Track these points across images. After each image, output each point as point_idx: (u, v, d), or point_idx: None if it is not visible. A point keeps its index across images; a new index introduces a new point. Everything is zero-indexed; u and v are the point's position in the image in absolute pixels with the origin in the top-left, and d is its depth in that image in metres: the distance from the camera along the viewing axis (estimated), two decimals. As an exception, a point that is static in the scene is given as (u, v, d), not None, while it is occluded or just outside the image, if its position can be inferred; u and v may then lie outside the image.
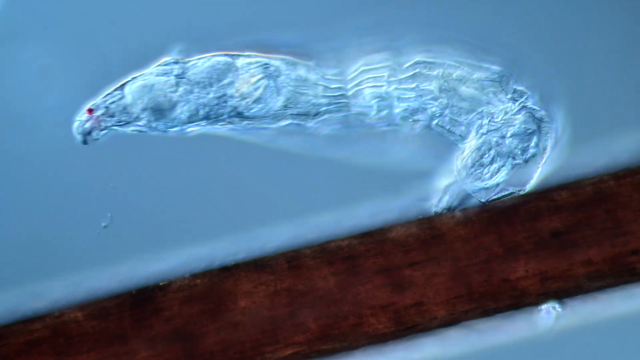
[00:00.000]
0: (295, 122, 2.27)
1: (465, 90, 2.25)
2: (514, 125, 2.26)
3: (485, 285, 2.21)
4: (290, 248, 2.27)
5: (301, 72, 2.26)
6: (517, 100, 2.25)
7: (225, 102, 2.24)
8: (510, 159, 2.26)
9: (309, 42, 2.28)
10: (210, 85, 2.24)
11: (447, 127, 2.26)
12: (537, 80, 2.27)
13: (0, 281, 2.24)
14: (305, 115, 2.26)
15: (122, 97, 2.24)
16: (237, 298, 2.23)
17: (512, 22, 2.29)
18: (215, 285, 2.24)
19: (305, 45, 2.28)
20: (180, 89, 2.24)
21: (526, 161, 2.26)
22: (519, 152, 2.26)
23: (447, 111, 2.25)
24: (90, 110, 2.22)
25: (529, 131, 2.25)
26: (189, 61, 2.26)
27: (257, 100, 2.24)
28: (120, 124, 2.25)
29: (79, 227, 2.27)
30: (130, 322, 2.22)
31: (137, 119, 2.24)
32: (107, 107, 2.24)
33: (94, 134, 2.24)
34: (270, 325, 2.22)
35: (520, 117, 2.26)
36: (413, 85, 2.25)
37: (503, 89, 2.25)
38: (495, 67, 2.26)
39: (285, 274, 2.24)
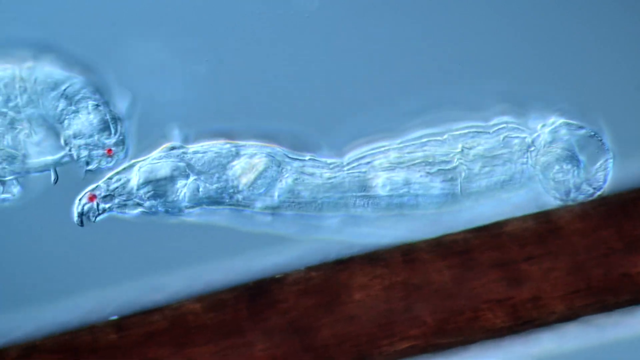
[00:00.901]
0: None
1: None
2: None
3: (605, 279, 2.18)
4: (405, 241, 2.27)
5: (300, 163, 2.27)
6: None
7: (227, 191, 2.26)
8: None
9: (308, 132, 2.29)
10: (213, 175, 2.26)
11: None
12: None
13: (122, 274, 2.29)
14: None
15: (127, 181, 2.27)
16: (352, 291, 2.24)
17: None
18: (331, 278, 2.26)
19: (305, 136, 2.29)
20: (191, 178, 2.26)
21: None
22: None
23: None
24: (93, 197, 2.25)
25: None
26: (189, 148, 2.28)
27: (259, 189, 2.25)
28: (120, 207, 2.27)
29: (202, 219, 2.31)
30: (247, 314, 2.25)
31: (139, 203, 2.26)
32: (109, 192, 2.27)
33: (92, 216, 2.26)
34: (385, 319, 2.22)
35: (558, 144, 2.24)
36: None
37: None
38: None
39: (400, 267, 2.24)
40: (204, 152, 2.27)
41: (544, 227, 2.22)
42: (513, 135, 2.25)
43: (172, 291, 2.29)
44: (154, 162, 2.26)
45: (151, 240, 2.30)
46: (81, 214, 2.25)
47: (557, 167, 2.24)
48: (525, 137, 2.25)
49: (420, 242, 2.26)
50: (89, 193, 2.25)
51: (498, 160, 2.25)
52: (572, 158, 2.24)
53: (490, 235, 2.24)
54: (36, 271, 2.30)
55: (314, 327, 2.23)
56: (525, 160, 2.25)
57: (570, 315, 2.21)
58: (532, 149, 2.25)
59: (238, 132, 2.28)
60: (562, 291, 2.19)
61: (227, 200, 2.27)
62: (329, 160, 2.28)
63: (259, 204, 2.27)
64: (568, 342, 2.23)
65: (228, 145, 2.27)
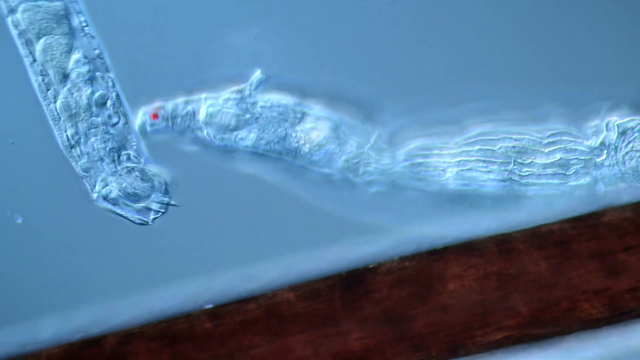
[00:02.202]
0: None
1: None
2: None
3: None
4: (499, 232, 2.25)
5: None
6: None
7: (289, 143, 2.24)
8: None
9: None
10: (278, 123, 2.25)
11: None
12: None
13: (219, 263, 2.32)
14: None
15: (193, 113, 2.27)
16: (447, 281, 2.23)
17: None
18: (424, 268, 2.25)
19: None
20: (248, 117, 2.25)
21: None
22: None
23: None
24: (155, 116, 2.26)
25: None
26: (259, 99, 2.27)
27: (318, 152, 2.24)
28: (179, 132, 2.28)
29: (292, 212, 2.33)
30: (340, 303, 2.26)
31: (200, 128, 2.27)
32: (173, 114, 2.27)
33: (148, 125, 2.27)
34: (480, 309, 2.21)
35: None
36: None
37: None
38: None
39: (495, 257, 2.23)
40: (272, 107, 2.27)
41: (643, 217, 2.18)
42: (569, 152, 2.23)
43: (266, 280, 2.31)
44: (222, 106, 2.28)
45: (245, 229, 2.32)
46: (142, 125, 2.28)
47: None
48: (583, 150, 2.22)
49: (515, 232, 2.24)
50: (153, 109, 2.27)
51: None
52: None
53: (588, 226, 2.21)
54: (133, 260, 2.34)
55: (408, 317, 2.23)
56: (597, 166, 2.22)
57: (670, 307, 2.17)
58: (604, 155, 2.21)
59: (314, 90, 2.29)
60: (662, 282, 2.15)
61: (285, 152, 2.28)
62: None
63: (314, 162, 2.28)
64: (668, 334, 2.19)
65: (298, 107, 2.28)
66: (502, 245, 2.23)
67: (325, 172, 2.27)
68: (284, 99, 2.28)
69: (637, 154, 2.20)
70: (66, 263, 2.34)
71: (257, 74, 2.27)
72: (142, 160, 2.30)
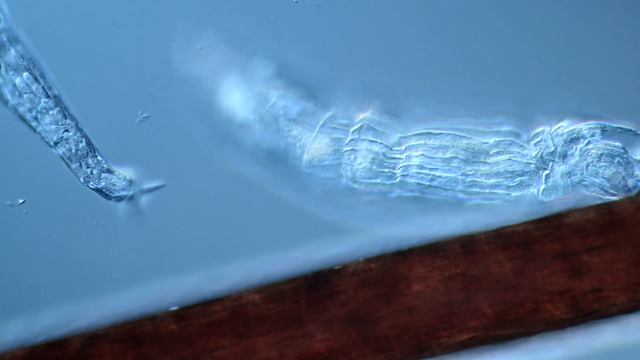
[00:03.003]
0: None
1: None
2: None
3: (668, 271, 2.15)
4: (464, 233, 2.26)
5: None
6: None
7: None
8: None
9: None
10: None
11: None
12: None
13: (184, 265, 2.31)
14: None
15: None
16: (412, 282, 2.24)
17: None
18: (390, 269, 2.25)
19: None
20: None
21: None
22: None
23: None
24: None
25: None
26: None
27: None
28: None
29: (256, 213, 2.32)
30: (306, 305, 2.26)
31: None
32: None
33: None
34: (445, 310, 2.22)
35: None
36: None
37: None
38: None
39: (459, 258, 2.23)
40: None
41: (606, 219, 2.19)
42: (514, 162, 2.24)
43: (231, 282, 2.30)
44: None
45: (210, 230, 2.32)
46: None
47: (602, 163, 2.21)
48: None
49: (479, 234, 2.25)
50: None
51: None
52: (612, 153, 2.22)
53: (552, 227, 2.22)
54: (98, 261, 2.33)
55: (373, 318, 2.23)
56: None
57: (632, 307, 2.18)
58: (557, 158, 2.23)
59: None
60: (625, 283, 2.16)
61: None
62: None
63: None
64: (630, 335, 2.20)
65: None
66: (467, 246, 2.24)
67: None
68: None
69: (601, 166, 2.21)
70: (29, 265, 2.33)
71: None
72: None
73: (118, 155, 2.33)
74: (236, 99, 2.27)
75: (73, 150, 2.24)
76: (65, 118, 2.24)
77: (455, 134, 2.25)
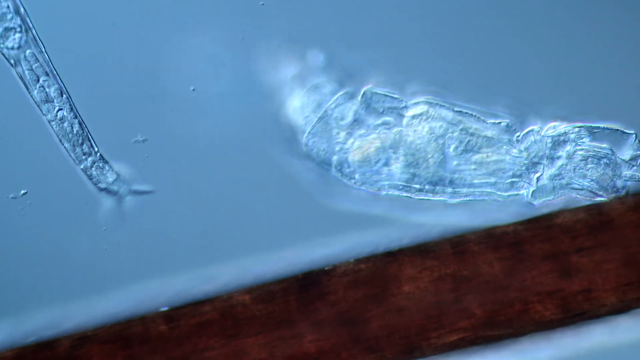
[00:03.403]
0: None
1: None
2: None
3: (657, 272, 2.16)
4: (454, 233, 2.26)
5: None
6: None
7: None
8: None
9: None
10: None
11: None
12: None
13: (174, 266, 2.31)
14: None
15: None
16: (402, 283, 2.24)
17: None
18: (380, 270, 2.25)
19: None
20: None
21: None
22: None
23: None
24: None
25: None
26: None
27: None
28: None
29: (248, 213, 2.32)
30: (296, 305, 2.26)
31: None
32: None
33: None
34: (435, 311, 2.22)
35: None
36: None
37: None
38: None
39: (449, 259, 2.24)
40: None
41: (595, 219, 2.20)
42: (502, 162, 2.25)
43: (221, 282, 2.30)
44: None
45: (201, 231, 2.32)
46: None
47: (589, 165, 2.22)
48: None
49: (470, 234, 2.25)
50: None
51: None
52: (599, 154, 2.22)
53: (541, 227, 2.22)
54: (88, 262, 2.32)
55: (363, 319, 2.23)
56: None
57: (622, 308, 2.18)
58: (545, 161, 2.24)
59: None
60: (614, 283, 2.17)
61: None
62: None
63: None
64: (619, 335, 2.21)
65: None
66: (457, 247, 2.24)
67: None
68: None
69: (588, 168, 2.22)
70: (18, 266, 2.32)
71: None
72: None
73: (116, 152, 2.33)
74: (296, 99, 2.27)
75: (67, 130, 2.24)
76: (62, 95, 2.25)
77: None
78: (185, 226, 2.32)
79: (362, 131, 2.25)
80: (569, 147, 2.24)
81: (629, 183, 2.22)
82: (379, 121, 2.24)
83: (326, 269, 2.28)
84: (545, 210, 2.24)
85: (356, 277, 2.26)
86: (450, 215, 2.27)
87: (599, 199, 2.22)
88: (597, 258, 2.17)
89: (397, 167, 2.25)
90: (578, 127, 2.23)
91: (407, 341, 2.22)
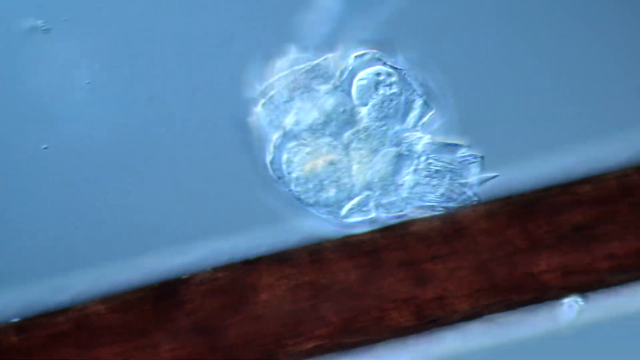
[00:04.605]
0: None
1: None
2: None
3: (508, 278, 2.20)
4: (312, 242, 2.27)
5: None
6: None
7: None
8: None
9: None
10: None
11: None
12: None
13: (24, 274, 2.25)
14: None
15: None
16: (259, 291, 2.23)
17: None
18: (238, 278, 2.25)
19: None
20: None
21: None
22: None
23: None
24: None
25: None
26: None
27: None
28: None
29: (102, 220, 2.28)
30: (152, 315, 2.23)
31: None
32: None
33: None
34: (292, 319, 2.22)
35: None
36: None
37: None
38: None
39: (307, 267, 2.24)
40: None
41: (449, 227, 2.24)
42: None
43: (76, 292, 2.25)
44: None
45: (53, 238, 2.27)
46: None
47: (435, 179, 2.26)
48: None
49: (327, 242, 2.26)
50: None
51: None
52: (444, 167, 2.27)
53: (397, 235, 2.25)
54: None
55: (220, 328, 2.22)
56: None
57: (474, 314, 2.23)
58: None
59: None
60: (467, 290, 2.21)
61: None
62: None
63: None
64: (472, 341, 2.25)
65: None
66: (315, 255, 2.25)
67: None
68: None
69: (435, 182, 2.27)
70: None
71: None
72: None
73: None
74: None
75: None
76: None
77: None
78: (38, 233, 2.27)
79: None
80: (415, 162, 2.27)
81: (478, 191, 2.26)
82: None
83: (183, 277, 2.26)
84: (400, 219, 2.27)
85: (213, 285, 2.24)
86: (307, 223, 2.28)
87: (452, 207, 2.27)
88: (451, 265, 2.21)
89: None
90: (428, 142, 2.26)
91: (265, 349, 2.22)
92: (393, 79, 2.24)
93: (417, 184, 2.26)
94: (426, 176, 2.26)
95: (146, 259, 2.27)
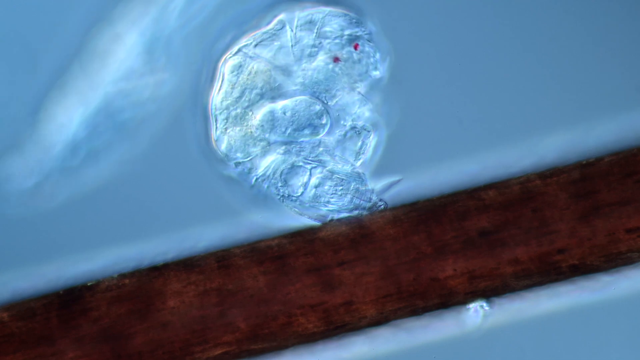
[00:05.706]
0: None
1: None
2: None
3: (415, 284, 2.22)
4: (220, 248, 2.26)
5: None
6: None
7: None
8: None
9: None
10: None
11: None
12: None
13: None
14: None
15: None
16: (166, 298, 2.22)
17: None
18: (144, 285, 2.23)
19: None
20: None
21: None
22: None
23: None
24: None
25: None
26: None
27: None
28: None
29: (5, 226, 2.24)
30: (57, 322, 2.20)
31: None
32: None
33: None
34: (199, 325, 2.21)
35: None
36: None
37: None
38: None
39: (214, 273, 2.23)
40: None
41: (357, 232, 2.25)
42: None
43: (-22, 300, 2.22)
44: None
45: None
46: None
47: (340, 191, 2.28)
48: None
49: (235, 248, 2.25)
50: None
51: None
52: (349, 177, 2.29)
53: (305, 241, 2.25)
54: None
55: (127, 335, 2.20)
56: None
57: (381, 319, 2.24)
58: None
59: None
60: (374, 295, 2.22)
61: None
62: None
63: None
64: (379, 346, 2.26)
65: None
66: (222, 261, 2.24)
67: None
68: None
69: (340, 191, 2.28)
70: None
71: None
72: None
73: None
74: None
75: None
76: None
77: None
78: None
79: None
80: (318, 171, 2.28)
81: (384, 197, 2.28)
82: None
83: (89, 284, 2.23)
84: (309, 224, 2.27)
85: (120, 292, 2.22)
86: (216, 229, 2.27)
87: (359, 213, 2.28)
88: (358, 271, 2.22)
89: None
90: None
91: (171, 356, 2.20)
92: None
93: (322, 191, 2.27)
94: (332, 185, 2.27)
95: (51, 266, 2.24)
